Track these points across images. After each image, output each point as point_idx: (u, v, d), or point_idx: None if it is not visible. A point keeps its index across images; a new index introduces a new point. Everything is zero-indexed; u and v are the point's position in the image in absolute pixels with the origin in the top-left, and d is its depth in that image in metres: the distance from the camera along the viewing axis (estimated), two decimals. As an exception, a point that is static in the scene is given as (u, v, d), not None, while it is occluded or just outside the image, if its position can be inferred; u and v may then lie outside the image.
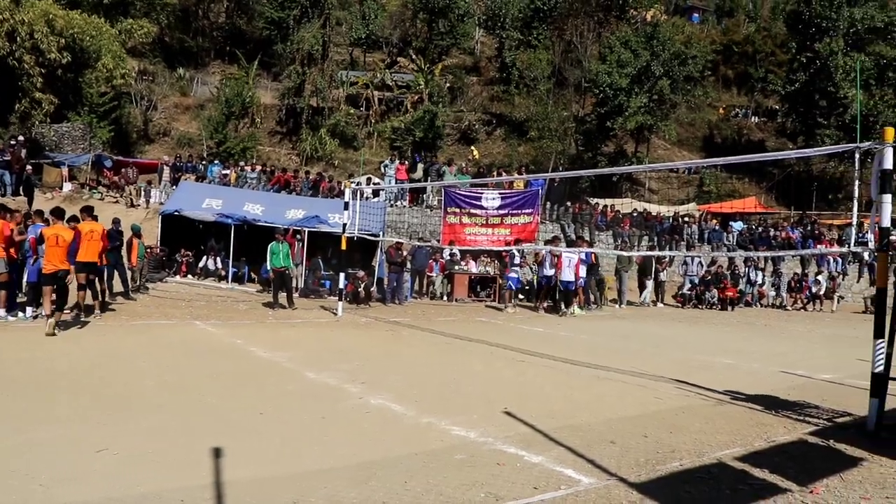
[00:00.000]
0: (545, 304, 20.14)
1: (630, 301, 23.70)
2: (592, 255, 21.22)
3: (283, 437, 5.95)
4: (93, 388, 7.52)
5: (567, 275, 19.25)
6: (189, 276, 20.97)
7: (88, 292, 13.29)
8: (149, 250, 19.58)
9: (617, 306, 22.96)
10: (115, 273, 16.05)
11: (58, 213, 12.62)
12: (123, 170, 28.40)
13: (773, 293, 27.15)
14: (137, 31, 38.16)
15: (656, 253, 25.87)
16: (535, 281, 21.70)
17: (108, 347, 10.44)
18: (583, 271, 20.34)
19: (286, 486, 4.68)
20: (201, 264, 21.20)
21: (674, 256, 26.09)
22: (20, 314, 12.76)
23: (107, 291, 15.33)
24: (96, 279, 13.76)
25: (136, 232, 17.82)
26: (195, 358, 9.81)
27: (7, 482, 4.59)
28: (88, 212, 13.65)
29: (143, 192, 27.43)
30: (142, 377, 8.10)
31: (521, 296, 22.06)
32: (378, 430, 6.26)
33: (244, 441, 5.74)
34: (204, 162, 31.46)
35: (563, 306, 19.54)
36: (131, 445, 5.49)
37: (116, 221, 16.72)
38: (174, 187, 25.56)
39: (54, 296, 11.73)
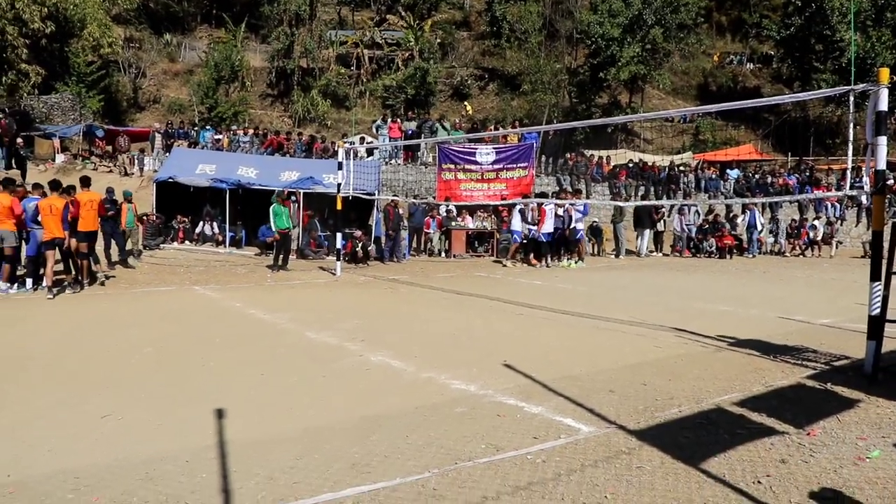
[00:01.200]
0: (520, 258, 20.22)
1: (628, 251, 23.72)
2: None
3: (285, 396, 5.99)
4: (94, 355, 7.55)
5: (548, 227, 19.28)
6: (186, 242, 21.01)
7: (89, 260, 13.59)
8: (144, 217, 19.59)
9: (614, 257, 22.99)
10: (112, 242, 16.09)
11: (54, 184, 13.10)
12: (116, 139, 28.31)
13: (771, 239, 27.17)
14: (121, -1, 37.69)
15: (652, 202, 25.82)
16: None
17: (107, 315, 10.47)
18: (581, 224, 20.40)
19: (289, 444, 4.73)
20: (198, 230, 21.21)
21: (671, 206, 26.03)
22: (19, 287, 12.77)
23: (106, 261, 15.51)
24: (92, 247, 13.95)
25: (127, 197, 17.87)
26: (195, 323, 9.84)
27: (14, 449, 4.63)
28: (86, 182, 14.06)
29: (136, 161, 27.30)
30: (141, 343, 8.12)
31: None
32: (378, 387, 6.30)
33: (246, 402, 5.78)
34: (196, 128, 31.30)
35: (547, 259, 19.67)
36: (135, 410, 5.53)
37: (110, 191, 16.66)
38: (167, 154, 25.47)
39: (53, 262, 12.30)
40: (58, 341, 8.41)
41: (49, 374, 6.73)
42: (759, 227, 24.91)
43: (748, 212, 24.53)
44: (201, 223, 21.27)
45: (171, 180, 20.30)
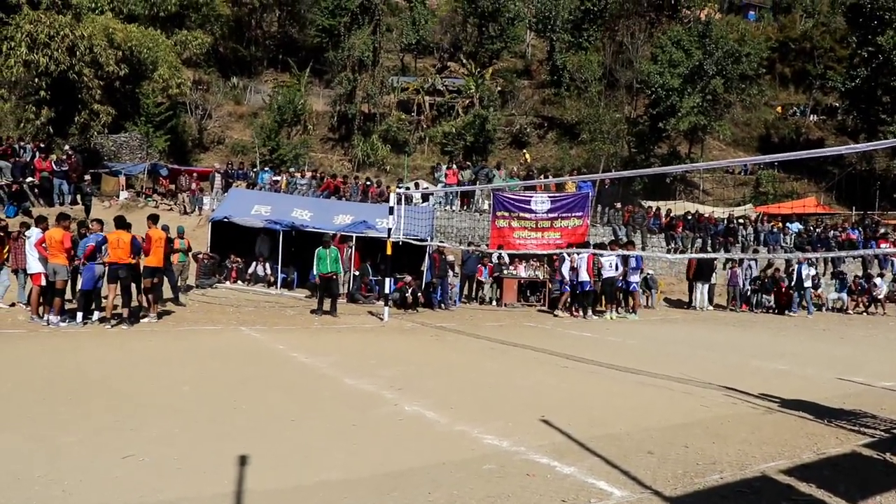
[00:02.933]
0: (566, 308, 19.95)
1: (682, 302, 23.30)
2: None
3: (312, 444, 5.89)
4: (128, 393, 7.57)
5: (583, 275, 19.06)
6: (239, 282, 21.19)
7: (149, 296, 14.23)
8: (199, 256, 19.86)
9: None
10: (165, 279, 16.36)
11: (119, 221, 13.59)
12: (178, 178, 28.98)
13: (833, 296, 26.38)
14: (192, 42, 39.03)
15: (698, 255, 25.34)
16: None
17: (150, 352, 10.55)
18: (636, 276, 20.14)
19: (307, 497, 4.62)
20: (251, 270, 21.40)
21: (726, 259, 25.49)
22: (69, 321, 13.00)
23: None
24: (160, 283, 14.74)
25: (180, 233, 18.29)
26: (235, 363, 9.83)
27: (31, 487, 4.61)
28: (154, 220, 14.84)
29: (196, 200, 27.86)
30: (180, 382, 8.14)
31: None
32: (409, 439, 6.17)
33: (272, 448, 5.69)
34: (256, 169, 31.86)
35: (584, 310, 19.46)
36: (159, 451, 5.48)
37: (165, 228, 16.98)
38: (225, 194, 25.89)
39: (114, 294, 13.12)
40: (90, 376, 8.46)
41: (79, 409, 6.75)
42: (810, 284, 23.93)
43: (797, 265, 23.68)
44: (254, 263, 21.48)
45: (226, 220, 20.59)
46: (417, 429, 6.53)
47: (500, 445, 5.98)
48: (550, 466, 5.44)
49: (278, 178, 29.49)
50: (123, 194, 27.98)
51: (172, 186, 29.75)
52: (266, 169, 31.34)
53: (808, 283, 23.23)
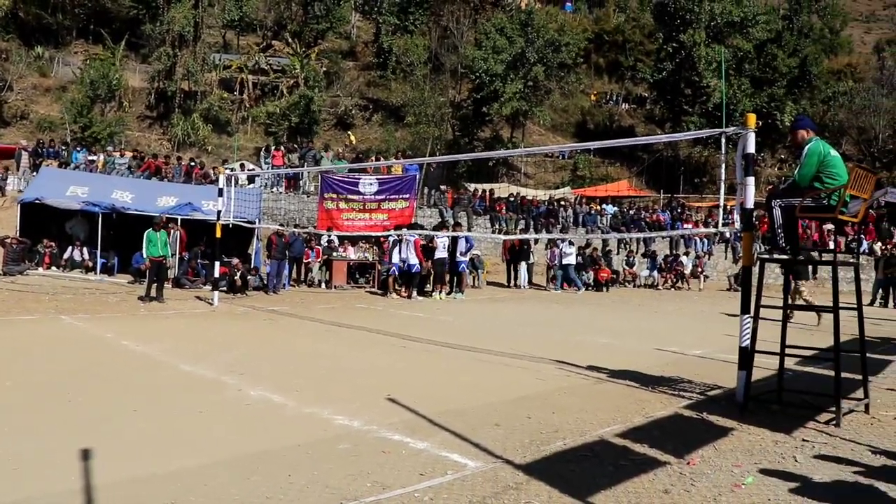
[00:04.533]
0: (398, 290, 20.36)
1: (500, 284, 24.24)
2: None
3: (159, 433, 5.74)
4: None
5: (412, 258, 19.58)
6: (53, 268, 20.01)
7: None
8: (6, 240, 18.58)
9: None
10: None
11: None
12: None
13: (645, 273, 28.22)
14: (-14, 5, 35.78)
15: (532, 235, 26.41)
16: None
17: (-37, 346, 9.84)
18: (465, 257, 20.78)
19: (163, 486, 4.51)
20: (66, 255, 20.25)
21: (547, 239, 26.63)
22: None
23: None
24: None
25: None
26: (61, 354, 9.33)
27: None
28: None
29: (-1, 180, 25.96)
30: (0, 377, 7.66)
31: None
32: (259, 423, 6.14)
33: (117, 440, 5.50)
34: (67, 147, 29.99)
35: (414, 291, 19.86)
36: (-10, 451, 5.17)
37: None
38: (34, 174, 24.29)
39: None
40: None
41: None
42: (572, 262, 24.78)
43: (560, 245, 24.61)
44: (70, 248, 20.34)
45: (38, 202, 19.36)
46: (266, 412, 6.51)
47: (351, 425, 6.07)
48: (404, 443, 5.59)
49: (94, 157, 27.94)
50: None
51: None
52: (80, 148, 29.59)
53: (567, 261, 24.52)
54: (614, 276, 26.39)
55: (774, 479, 4.86)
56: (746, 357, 6.89)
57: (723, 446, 5.67)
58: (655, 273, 27.78)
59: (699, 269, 27.91)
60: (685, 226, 31.34)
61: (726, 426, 6.28)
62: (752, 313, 6.96)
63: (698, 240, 29.89)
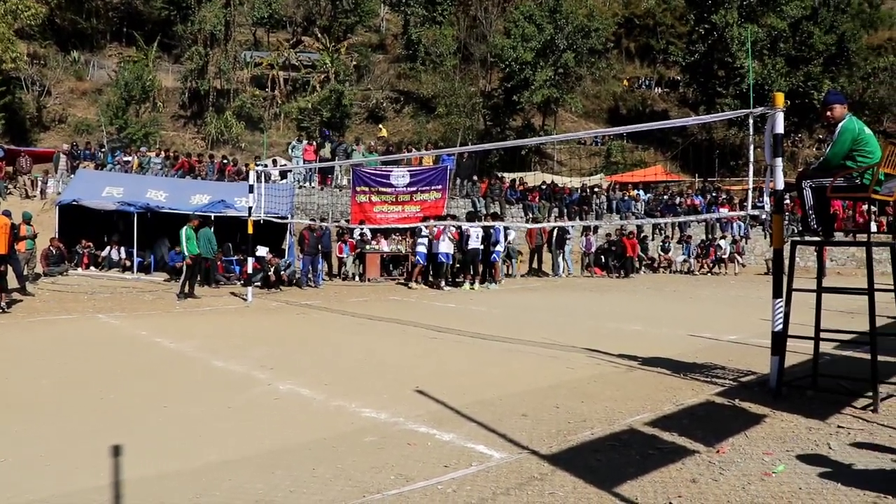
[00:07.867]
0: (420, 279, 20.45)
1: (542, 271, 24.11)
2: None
3: (188, 429, 5.80)
4: (-16, 390, 7.19)
5: (444, 247, 19.56)
6: (92, 268, 20.32)
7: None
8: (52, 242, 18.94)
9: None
10: (9, 267, 15.45)
11: None
12: (17, 159, 27.29)
13: (681, 259, 27.94)
14: (24, 13, 36.28)
15: (562, 223, 26.23)
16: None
17: (1, 346, 10.01)
18: (499, 246, 20.68)
19: (189, 481, 4.55)
20: (104, 255, 20.55)
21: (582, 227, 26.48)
22: None
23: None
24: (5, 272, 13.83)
25: (26, 219, 17.35)
26: (97, 352, 9.48)
27: None
28: None
29: (38, 183, 26.35)
30: (38, 376, 7.78)
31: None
32: (286, 417, 6.16)
33: (147, 436, 5.56)
34: (104, 149, 30.40)
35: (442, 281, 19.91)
36: (23, 451, 5.23)
37: (7, 213, 16.02)
38: (72, 176, 24.67)
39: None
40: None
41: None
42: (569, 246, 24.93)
43: (558, 228, 24.38)
44: (108, 248, 20.63)
45: (75, 203, 19.66)
46: (294, 407, 6.54)
47: (378, 418, 6.08)
48: (430, 434, 5.58)
49: (129, 158, 28.30)
50: (-45, 178, 26.12)
51: (10, 169, 27.95)
52: (115, 149, 29.98)
53: (567, 246, 24.38)
54: (650, 261, 26.13)
55: (806, 466, 4.75)
56: (779, 342, 6.74)
57: (754, 434, 5.55)
58: (692, 258, 27.49)
59: (736, 253, 27.56)
60: (721, 209, 30.97)
61: (758, 413, 6.15)
62: (783, 297, 6.81)
63: (735, 224, 29.52)
